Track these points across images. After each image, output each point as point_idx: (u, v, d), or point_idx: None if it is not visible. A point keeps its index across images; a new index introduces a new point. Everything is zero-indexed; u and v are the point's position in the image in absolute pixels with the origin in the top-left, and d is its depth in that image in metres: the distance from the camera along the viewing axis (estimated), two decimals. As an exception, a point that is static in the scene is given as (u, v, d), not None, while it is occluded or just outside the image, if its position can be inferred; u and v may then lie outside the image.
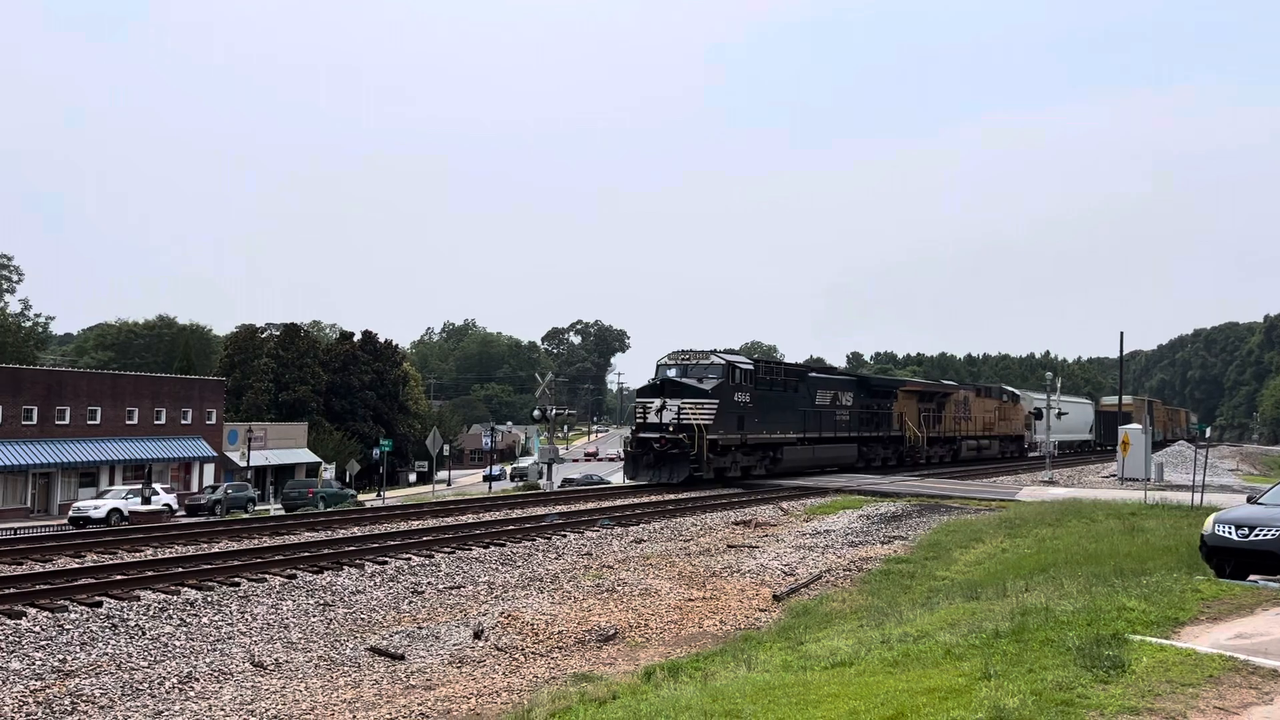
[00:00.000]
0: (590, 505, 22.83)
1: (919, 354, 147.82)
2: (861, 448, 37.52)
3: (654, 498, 24.97)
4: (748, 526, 20.08)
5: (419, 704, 8.34)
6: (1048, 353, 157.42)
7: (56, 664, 9.12)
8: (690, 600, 12.74)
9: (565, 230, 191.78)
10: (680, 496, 25.35)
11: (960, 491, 27.26)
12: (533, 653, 10.19)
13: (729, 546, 17.09)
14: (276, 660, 9.55)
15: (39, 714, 7.84)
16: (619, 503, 23.49)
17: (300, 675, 9.13)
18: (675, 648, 10.38)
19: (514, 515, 20.52)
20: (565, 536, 17.86)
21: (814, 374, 35.55)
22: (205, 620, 10.88)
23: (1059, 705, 5.05)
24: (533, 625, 11.03)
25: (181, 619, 10.84)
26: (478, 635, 10.58)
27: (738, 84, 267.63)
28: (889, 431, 39.54)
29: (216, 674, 9.05)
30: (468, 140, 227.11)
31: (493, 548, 16.31)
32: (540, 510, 21.27)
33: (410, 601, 12.35)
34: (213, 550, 15.13)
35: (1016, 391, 54.38)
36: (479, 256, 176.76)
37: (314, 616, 11.35)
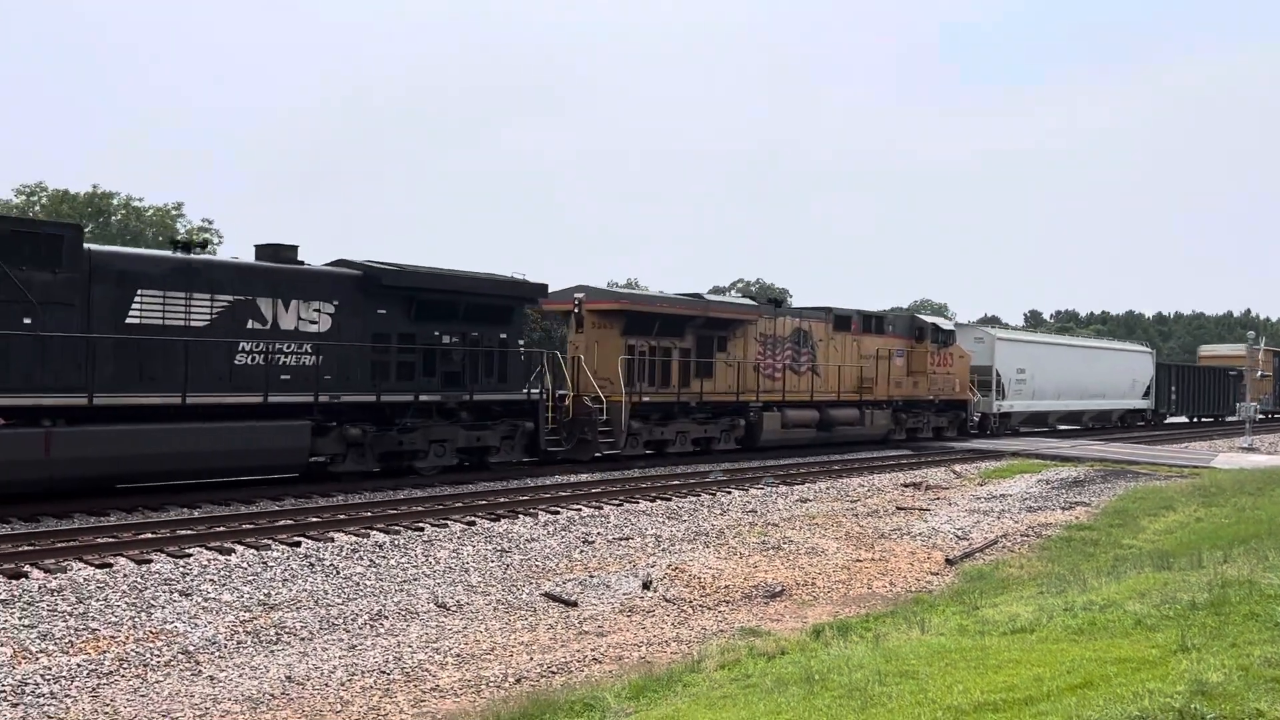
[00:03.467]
0: (754, 463, 22.82)
1: (1103, 311, 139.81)
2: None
3: (819, 457, 24.76)
4: (918, 489, 19.63)
5: (592, 649, 8.59)
6: (1248, 311, 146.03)
7: (262, 597, 9.85)
8: (858, 561, 12.59)
9: (737, 185, 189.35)
10: (846, 457, 25.05)
11: (1148, 457, 25.82)
12: (700, 605, 10.32)
13: (898, 509, 16.77)
14: (458, 602, 10.02)
15: (248, 642, 8.49)
16: (783, 461, 23.39)
17: (480, 617, 9.56)
18: (843, 607, 10.30)
19: (678, 471, 20.75)
20: (730, 493, 17.93)
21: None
22: (393, 562, 11.52)
23: (1269, 682, 4.73)
24: (699, 579, 11.16)
25: (371, 560, 11.51)
26: (646, 586, 10.79)
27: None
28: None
29: (404, 613, 9.57)
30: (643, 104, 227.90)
31: (659, 502, 16.55)
32: (704, 467, 21.42)
33: (581, 550, 12.70)
34: (399, 497, 15.96)
35: (947, 324, 31.30)
36: (638, 214, 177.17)
37: (492, 562, 11.84)
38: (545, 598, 10.28)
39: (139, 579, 10.10)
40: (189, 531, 12.51)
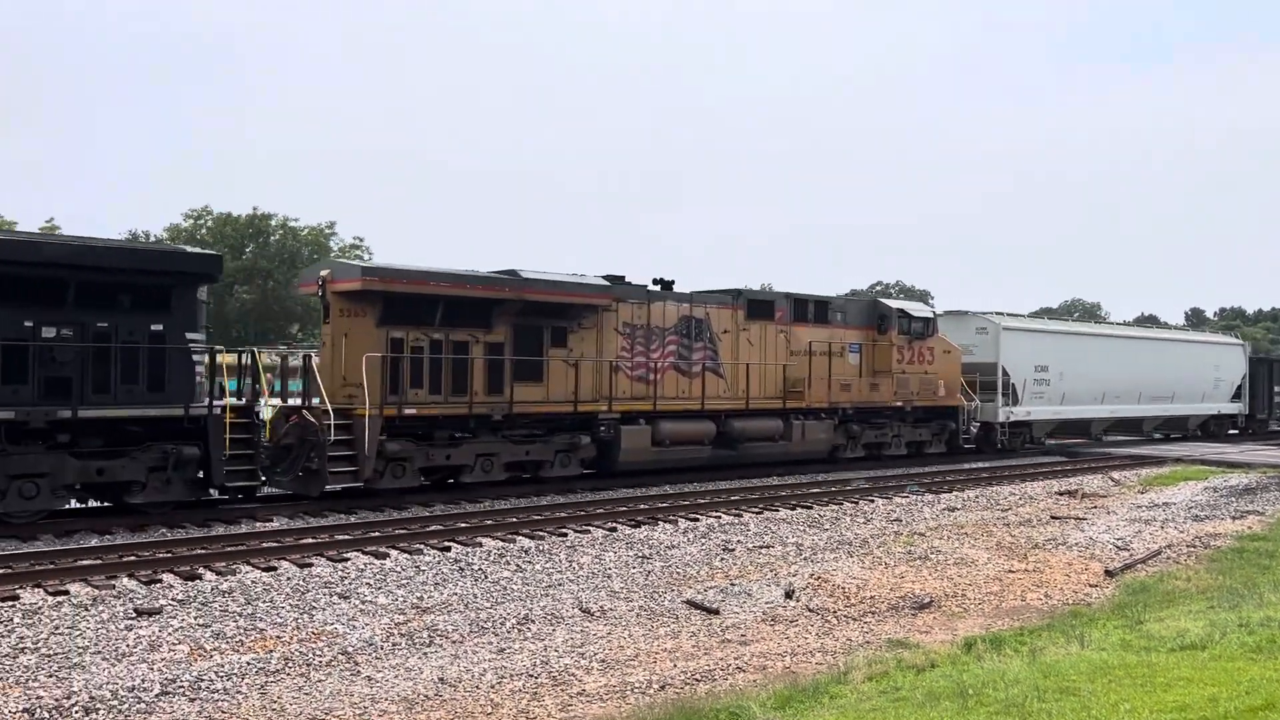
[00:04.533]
0: (897, 470, 22.29)
1: (1273, 308, 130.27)
2: None
3: (968, 465, 24.00)
4: (1073, 497, 18.80)
5: (735, 658, 8.55)
6: None
7: (415, 600, 10.21)
8: (1010, 572, 12.14)
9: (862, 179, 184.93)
10: (994, 464, 24.19)
11: (1330, 463, 23.98)
12: (845, 616, 10.14)
13: (1052, 518, 16.09)
14: (601, 607, 10.14)
15: (403, 644, 8.81)
16: (928, 469, 22.76)
17: (624, 623, 9.65)
18: (996, 620, 9.95)
19: (818, 479, 20.44)
20: (873, 501, 17.57)
21: None
22: (538, 567, 11.75)
23: None
24: (843, 588, 10.97)
25: (518, 565, 11.78)
26: (789, 595, 10.67)
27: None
28: None
29: (549, 617, 9.75)
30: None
31: (799, 510, 16.36)
32: (847, 475, 21.04)
33: (721, 558, 12.67)
34: (541, 503, 16.29)
35: (923, 311, 25.44)
36: (757, 212, 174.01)
37: (634, 568, 11.94)
38: (687, 605, 10.29)
39: (301, 582, 10.62)
40: (346, 537, 13.08)
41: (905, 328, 23.96)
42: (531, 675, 8.02)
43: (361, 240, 55.36)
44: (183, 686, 7.48)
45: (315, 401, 15.64)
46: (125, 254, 14.18)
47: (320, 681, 7.82)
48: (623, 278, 19.63)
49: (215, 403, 14.23)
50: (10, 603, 9.43)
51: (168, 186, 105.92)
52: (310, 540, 12.70)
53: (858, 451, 23.14)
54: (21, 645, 8.30)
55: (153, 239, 49.75)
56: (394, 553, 12.09)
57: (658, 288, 20.28)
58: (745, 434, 20.46)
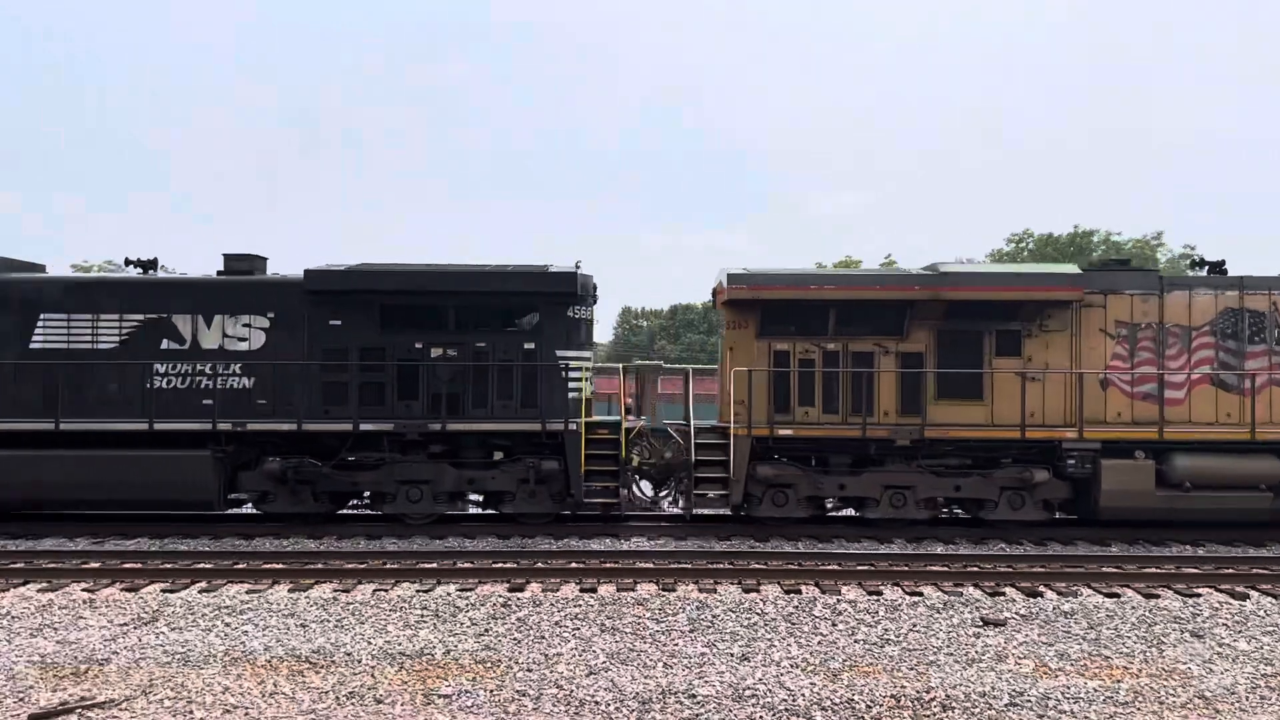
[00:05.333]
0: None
1: None
2: None
3: None
4: None
5: None
6: None
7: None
8: None
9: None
10: None
11: None
12: None
13: None
14: None
15: (1273, 698, 7.75)
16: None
17: None
18: None
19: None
20: None
21: None
22: None
23: None
24: None
25: None
26: None
27: None
28: None
29: None
30: None
31: None
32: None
33: None
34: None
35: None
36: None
37: None
38: None
39: (1146, 613, 10.04)
40: (1194, 570, 12.02)
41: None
42: None
43: (1193, 248, 50.68)
44: (1030, 701, 7.59)
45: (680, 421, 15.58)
46: (495, 278, 14.90)
47: (1175, 724, 7.27)
48: (1127, 261, 16.02)
49: (574, 420, 14.59)
50: (875, 597, 10.66)
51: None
52: (1154, 570, 11.96)
53: None
54: (886, 637, 9.31)
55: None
56: (1254, 594, 10.75)
57: (1200, 272, 15.56)
58: None
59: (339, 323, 14.80)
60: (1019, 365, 14.82)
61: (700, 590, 10.79)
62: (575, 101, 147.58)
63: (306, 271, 14.89)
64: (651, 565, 11.82)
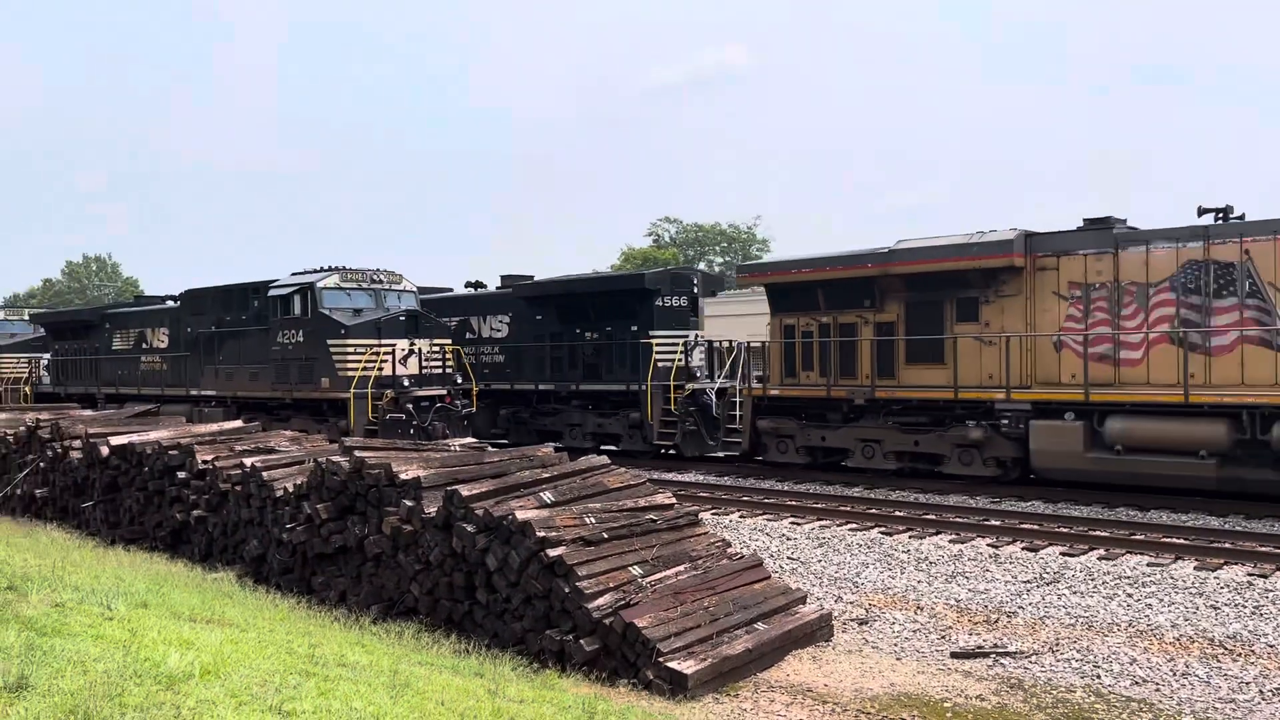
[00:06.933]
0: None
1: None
2: None
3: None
4: None
5: None
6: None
7: None
8: None
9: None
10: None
11: None
12: None
13: None
14: None
15: None
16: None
17: None
18: None
19: None
20: None
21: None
22: None
23: None
24: None
25: None
26: None
27: None
28: None
29: None
30: None
31: None
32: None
33: None
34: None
35: None
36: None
37: None
38: None
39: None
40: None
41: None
42: None
43: None
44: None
45: (730, 383, 18.54)
46: (610, 280, 21.96)
47: None
48: (1109, 219, 14.49)
49: (641, 383, 18.78)
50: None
51: None
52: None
53: None
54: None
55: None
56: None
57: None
58: None
59: (541, 317, 21.08)
60: (977, 330, 15.25)
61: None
62: None
63: (520, 285, 21.84)
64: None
